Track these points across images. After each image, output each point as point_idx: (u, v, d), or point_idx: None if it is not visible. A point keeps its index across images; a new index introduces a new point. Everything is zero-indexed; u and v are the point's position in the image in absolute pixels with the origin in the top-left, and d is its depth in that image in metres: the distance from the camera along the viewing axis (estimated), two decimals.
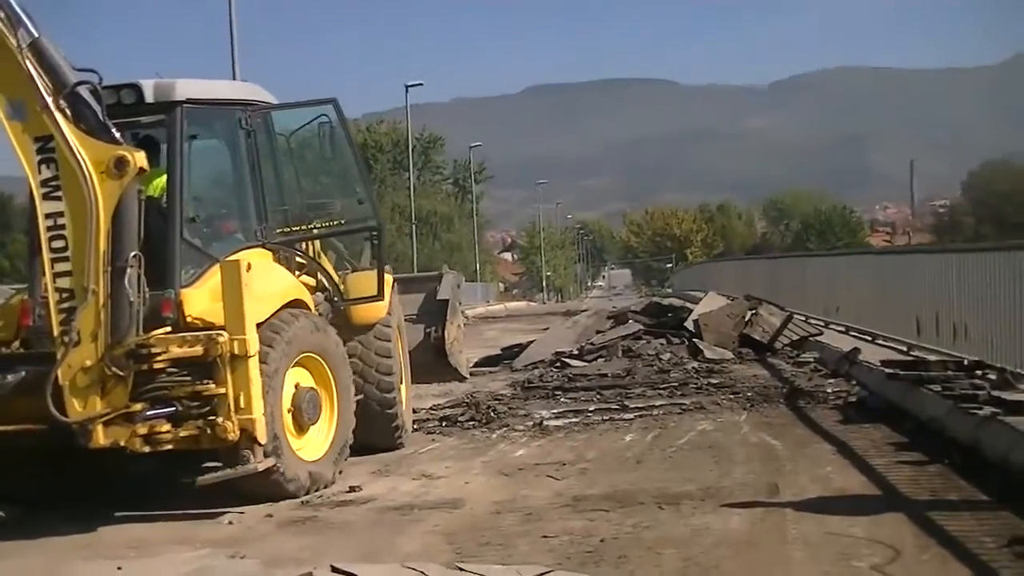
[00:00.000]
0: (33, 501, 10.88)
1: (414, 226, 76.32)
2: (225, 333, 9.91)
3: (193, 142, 11.23)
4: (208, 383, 9.88)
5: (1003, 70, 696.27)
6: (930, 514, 8.74)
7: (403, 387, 13.61)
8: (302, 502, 10.56)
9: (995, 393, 11.80)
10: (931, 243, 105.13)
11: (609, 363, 20.02)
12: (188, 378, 9.91)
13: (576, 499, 9.98)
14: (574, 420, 14.63)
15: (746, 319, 22.10)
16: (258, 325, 10.27)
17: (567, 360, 20.55)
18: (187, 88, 11.20)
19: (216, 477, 10.15)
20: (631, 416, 14.64)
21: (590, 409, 15.38)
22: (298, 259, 12.35)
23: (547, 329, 29.69)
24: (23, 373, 10.09)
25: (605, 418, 14.63)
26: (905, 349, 17.22)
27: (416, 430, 14.47)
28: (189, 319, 10.32)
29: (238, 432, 9.86)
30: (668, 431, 13.43)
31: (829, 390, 15.67)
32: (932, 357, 15.28)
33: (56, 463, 10.84)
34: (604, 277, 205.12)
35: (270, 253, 11.57)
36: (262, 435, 10.03)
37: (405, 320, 14.18)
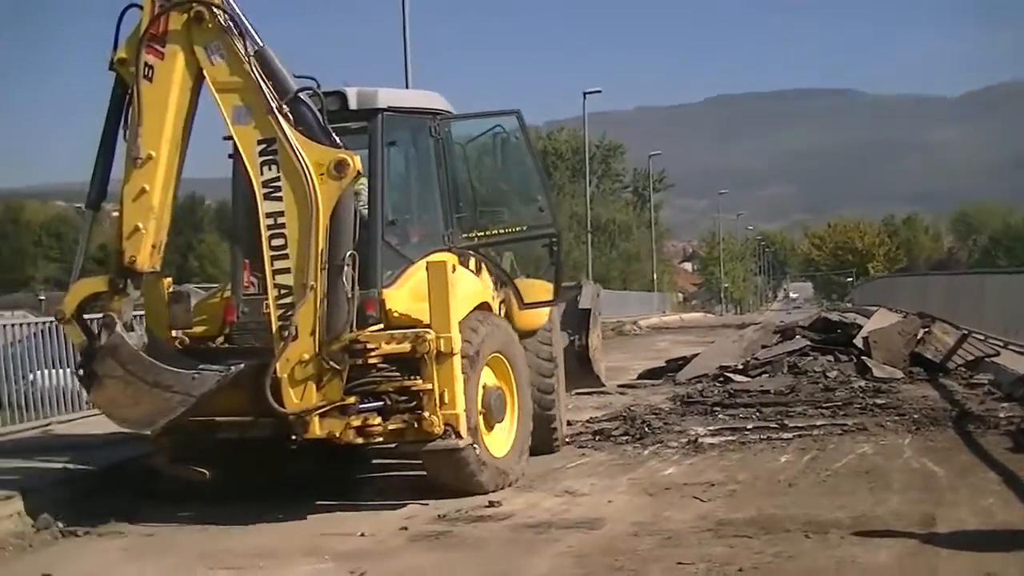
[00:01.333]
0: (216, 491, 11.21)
1: (590, 234, 76.12)
2: (432, 331, 10.47)
3: (391, 148, 11.89)
4: (415, 379, 10.49)
5: None
6: None
7: (560, 393, 13.81)
8: (439, 516, 10.42)
9: None
10: None
11: (773, 379, 19.46)
12: (396, 374, 10.52)
13: (719, 523, 9.60)
14: (730, 438, 14.18)
15: (918, 337, 21.34)
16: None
17: (730, 375, 20.06)
18: (388, 96, 11.87)
19: (419, 448, 10.70)
20: (789, 436, 14.14)
21: (748, 427, 14.91)
22: (483, 264, 12.86)
23: (713, 342, 29.14)
24: (232, 367, 10.50)
25: (763, 437, 14.16)
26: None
27: (569, 443, 14.26)
28: (393, 317, 10.86)
29: (442, 426, 10.44)
30: (826, 453, 12.91)
31: (1001, 415, 14.92)
32: None
33: (253, 456, 11.44)
34: (784, 290, 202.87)
35: (456, 257, 11.74)
36: (464, 430, 10.60)
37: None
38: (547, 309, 13.33)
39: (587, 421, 15.92)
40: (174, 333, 11.26)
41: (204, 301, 11.88)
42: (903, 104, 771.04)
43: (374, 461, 13.34)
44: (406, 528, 10.02)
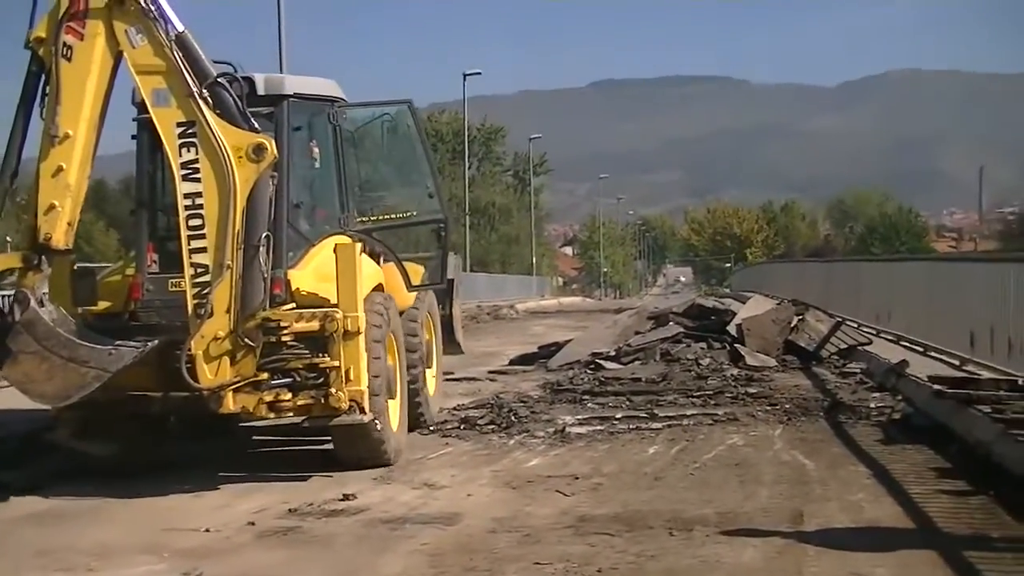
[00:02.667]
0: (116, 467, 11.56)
1: (468, 216, 75.77)
2: (340, 311, 10.83)
3: (295, 133, 12.19)
4: (323, 356, 10.82)
5: None
6: (968, 554, 7.95)
7: (431, 372, 14.74)
8: (290, 510, 9.93)
9: None
10: (995, 251, 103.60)
11: (645, 367, 19.19)
12: (306, 351, 10.84)
13: (582, 519, 9.23)
14: (599, 428, 13.82)
15: (792, 325, 21.21)
16: None
17: (602, 362, 19.74)
18: (293, 83, 12.33)
19: (326, 423, 11.14)
20: (659, 426, 13.83)
21: (617, 416, 14.56)
22: (374, 246, 13.06)
23: (588, 327, 28.84)
24: (147, 343, 10.75)
25: (631, 427, 13.82)
26: (957, 364, 16.32)
27: (433, 432, 13.88)
28: (299, 296, 11.18)
29: (348, 402, 10.84)
30: (695, 444, 12.61)
31: (873, 405, 14.76)
32: (985, 374, 14.40)
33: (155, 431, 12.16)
34: (664, 275, 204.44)
35: (351, 240, 11.98)
36: (368, 406, 11.05)
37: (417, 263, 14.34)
38: (406, 293, 13.65)
39: (453, 409, 15.47)
40: (79, 310, 11.35)
41: (106, 279, 12.19)
42: (784, 92, 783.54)
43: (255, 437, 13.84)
44: (254, 523, 9.52)
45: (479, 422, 14.40)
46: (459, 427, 14.17)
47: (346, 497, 10.30)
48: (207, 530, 9.36)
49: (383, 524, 9.37)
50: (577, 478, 10.91)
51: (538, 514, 9.49)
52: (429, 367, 14.65)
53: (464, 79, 69.28)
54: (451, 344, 15.98)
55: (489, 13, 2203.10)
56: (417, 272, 13.71)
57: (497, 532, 8.93)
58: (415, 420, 13.63)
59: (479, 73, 71.21)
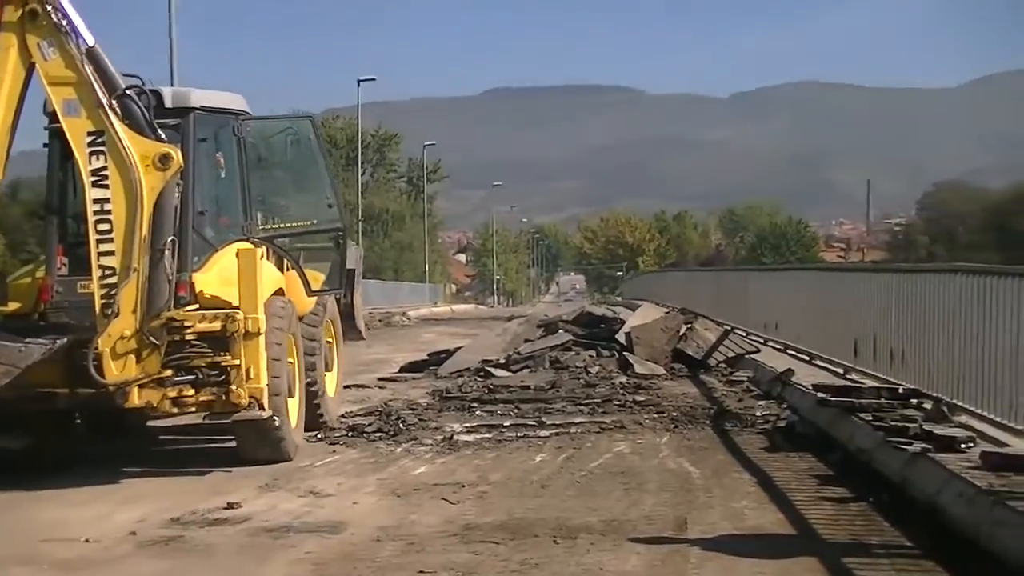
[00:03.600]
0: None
1: (360, 223, 75.45)
2: (241, 312, 11.41)
3: (200, 144, 12.79)
4: (225, 355, 11.34)
5: (962, 93, 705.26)
6: (846, 561, 8.07)
7: (332, 374, 15.40)
8: (172, 519, 9.77)
9: (927, 427, 11.09)
10: (884, 261, 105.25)
11: (534, 374, 19.26)
12: (208, 350, 11.36)
13: (467, 528, 9.22)
14: (486, 436, 13.84)
15: (681, 333, 21.38)
16: None
17: (491, 369, 19.75)
18: (199, 96, 12.93)
19: (226, 418, 11.85)
20: (547, 434, 13.89)
21: (505, 424, 14.60)
22: (275, 252, 13.73)
23: (478, 335, 28.84)
24: (56, 340, 11.23)
25: (519, 435, 13.86)
26: (842, 372, 16.52)
27: (320, 439, 13.80)
28: (203, 298, 11.75)
29: (248, 399, 11.36)
30: (582, 452, 12.67)
31: (758, 413, 14.97)
32: (868, 382, 14.59)
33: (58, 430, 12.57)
34: (557, 283, 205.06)
35: (253, 246, 12.56)
36: (267, 402, 11.58)
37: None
38: (305, 298, 14.06)
39: (341, 416, 15.33)
40: None
41: (15, 281, 12.71)
42: (680, 103, 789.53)
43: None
44: (135, 533, 9.36)
45: (367, 430, 14.35)
46: (346, 435, 14.10)
47: (230, 506, 10.18)
48: (87, 540, 9.18)
49: (266, 533, 9.27)
50: (463, 486, 10.89)
51: (423, 522, 9.45)
52: (330, 370, 15.26)
53: (359, 85, 68.97)
54: (352, 331, 16.37)
55: (385, 19, 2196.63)
56: (317, 278, 14.27)
57: (382, 540, 8.88)
58: (314, 420, 14.01)
59: (373, 79, 70.95)
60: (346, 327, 16.09)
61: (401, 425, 14.58)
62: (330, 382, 15.17)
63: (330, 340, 15.47)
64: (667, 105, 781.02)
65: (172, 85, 16.47)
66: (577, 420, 14.78)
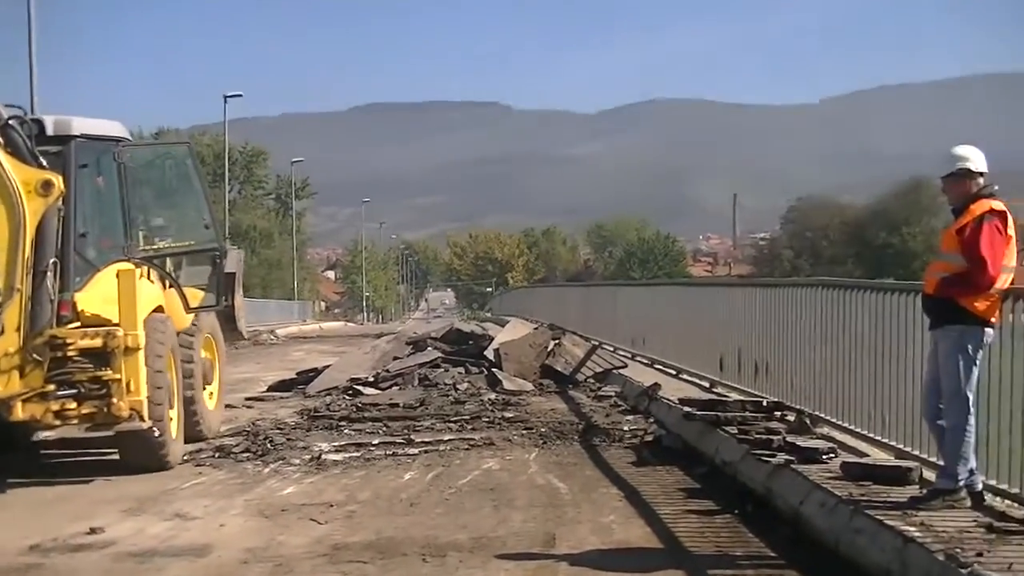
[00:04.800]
0: None
1: (228, 240, 74.66)
2: (121, 329, 12.03)
3: (82, 170, 13.19)
4: (106, 370, 11.93)
5: (820, 110, 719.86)
6: (712, 572, 8.25)
7: (213, 389, 16.04)
8: (31, 546, 9.54)
9: (790, 439, 11.29)
10: (750, 275, 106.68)
11: (403, 392, 19.20)
12: (90, 365, 11.94)
13: (335, 547, 9.20)
14: (355, 454, 13.77)
15: (549, 349, 21.46)
16: None
17: (360, 388, 19.66)
18: (80, 125, 13.37)
19: (108, 430, 12.45)
20: (416, 451, 13.86)
21: (374, 443, 14.54)
22: (155, 272, 14.25)
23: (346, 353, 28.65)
24: None
25: (388, 453, 13.82)
26: (707, 385, 16.73)
27: (186, 461, 13.58)
28: (85, 317, 12.31)
29: (128, 411, 11.97)
30: (451, 470, 12.67)
31: (626, 427, 15.09)
32: (733, 396, 14.80)
33: None
34: (426, 299, 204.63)
35: (134, 266, 13.25)
36: (147, 415, 12.22)
37: (197, 288, 15.37)
38: (183, 314, 14.74)
39: (208, 437, 15.17)
40: None
41: None
42: (546, 119, 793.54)
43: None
44: None
45: (234, 450, 14.18)
46: (213, 456, 13.94)
47: (93, 530, 10.01)
48: None
49: (131, 558, 9.14)
50: (332, 506, 10.85)
51: (291, 543, 9.39)
52: (210, 384, 15.89)
53: (225, 101, 68.16)
54: (233, 332, 16.93)
55: (252, 35, 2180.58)
56: (196, 296, 15.05)
57: (249, 563, 8.81)
58: (193, 433, 14.55)
59: (240, 95, 70.12)
60: (227, 329, 16.55)
61: (269, 445, 14.46)
62: (211, 396, 15.81)
63: (210, 355, 15.94)
64: (533, 120, 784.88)
65: (31, 109, 17.31)
66: (446, 437, 14.77)
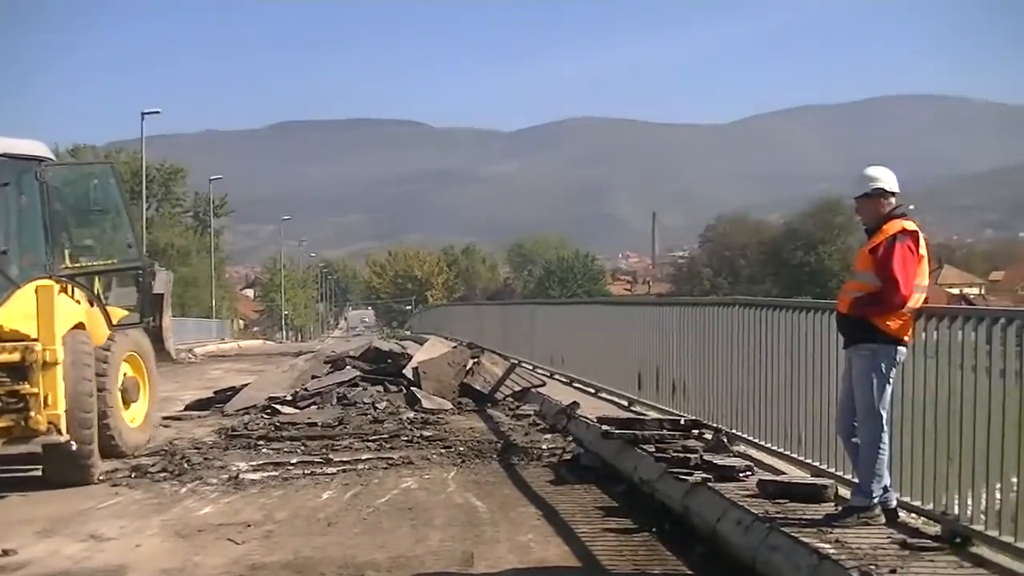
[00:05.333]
0: None
1: (155, 263, 73.89)
2: (39, 344, 12.23)
3: (3, 188, 13.55)
4: (24, 384, 12.13)
5: (732, 130, 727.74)
6: None
7: (140, 405, 15.78)
8: None
9: (708, 457, 11.38)
10: (669, 293, 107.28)
11: (321, 411, 19.13)
12: (8, 380, 12.13)
13: (252, 568, 9.15)
14: (273, 474, 13.69)
15: (467, 368, 21.47)
16: None
17: (278, 406, 19.55)
18: (2, 144, 13.64)
19: (26, 443, 12.47)
20: (334, 470, 13.80)
21: (292, 462, 14.46)
22: (77, 289, 14.40)
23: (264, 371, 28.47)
24: None
25: (307, 472, 13.74)
26: (626, 404, 16.82)
27: (102, 481, 13.41)
28: (3, 332, 12.49)
29: (47, 425, 12.16)
30: (369, 489, 12.63)
31: (544, 446, 15.13)
32: (651, 414, 14.89)
33: None
34: (345, 318, 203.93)
35: (55, 283, 13.50)
36: (64, 429, 12.39)
37: (127, 308, 15.82)
38: (105, 331, 14.90)
39: (125, 458, 15.00)
40: None
41: None
42: (466, 137, 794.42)
43: None
44: None
45: (151, 470, 14.02)
46: (130, 475, 13.77)
47: (5, 552, 9.83)
48: None
49: None
50: (249, 525, 10.77)
51: (208, 564, 9.32)
52: (135, 400, 15.62)
53: (143, 118, 67.58)
54: (162, 353, 16.84)
55: (172, 51, 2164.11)
56: (118, 313, 15.40)
57: None
58: (109, 449, 14.32)
59: (158, 112, 69.60)
60: (156, 349, 16.51)
61: (186, 465, 14.31)
62: (136, 413, 15.61)
63: (137, 374, 15.76)
64: (451, 139, 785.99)
65: None
66: (364, 456, 14.71)
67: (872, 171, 8.88)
